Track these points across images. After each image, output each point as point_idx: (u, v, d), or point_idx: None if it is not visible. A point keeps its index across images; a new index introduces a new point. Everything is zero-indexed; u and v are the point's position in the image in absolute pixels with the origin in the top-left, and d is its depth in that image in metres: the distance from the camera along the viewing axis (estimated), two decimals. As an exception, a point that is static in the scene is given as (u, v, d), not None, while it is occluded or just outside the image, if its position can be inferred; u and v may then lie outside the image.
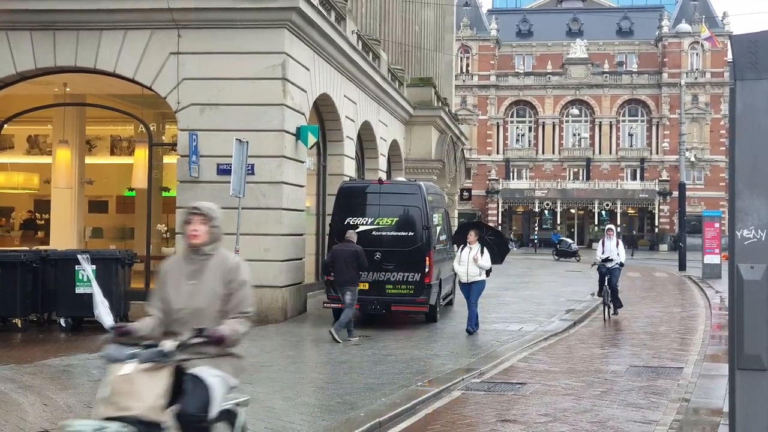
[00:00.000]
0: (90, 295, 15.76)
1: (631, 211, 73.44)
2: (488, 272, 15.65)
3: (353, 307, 14.66)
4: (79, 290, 14.79)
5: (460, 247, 15.73)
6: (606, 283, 18.40)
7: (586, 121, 77.07)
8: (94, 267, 14.80)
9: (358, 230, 16.26)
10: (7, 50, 16.82)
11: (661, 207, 72.24)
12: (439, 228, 17.68)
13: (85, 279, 14.76)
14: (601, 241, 19.28)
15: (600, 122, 76.40)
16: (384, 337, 14.76)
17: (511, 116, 78.86)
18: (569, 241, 52.60)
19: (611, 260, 18.47)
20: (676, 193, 52.83)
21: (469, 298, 15.41)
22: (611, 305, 18.50)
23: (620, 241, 19.13)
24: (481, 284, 15.47)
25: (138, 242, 19.09)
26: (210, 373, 5.09)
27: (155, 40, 16.56)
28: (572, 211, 74.11)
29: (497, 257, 15.83)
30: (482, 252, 15.21)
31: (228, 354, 5.25)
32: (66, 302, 14.96)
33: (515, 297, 22.94)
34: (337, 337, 14.13)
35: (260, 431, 7.94)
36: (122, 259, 15.31)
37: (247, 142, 15.69)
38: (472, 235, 15.34)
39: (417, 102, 31.97)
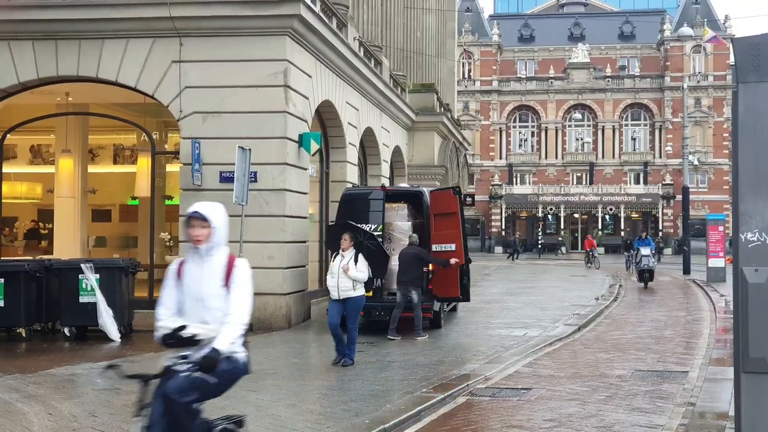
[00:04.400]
0: (94, 304, 15.92)
1: (634, 215, 73.35)
2: (370, 286, 12.61)
3: (420, 306, 15.52)
4: (83, 299, 14.79)
5: (333, 255, 12.70)
6: None
7: (588, 126, 77.10)
8: (97, 276, 14.84)
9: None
10: (10, 60, 16.86)
11: (664, 211, 72.14)
12: (442, 234, 17.63)
13: (89, 288, 14.75)
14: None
15: (603, 126, 76.42)
16: (388, 343, 14.73)
17: (514, 121, 78.91)
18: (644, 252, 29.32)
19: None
20: (679, 197, 52.74)
21: (346, 320, 12.43)
22: None
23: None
24: (357, 301, 12.39)
25: (141, 251, 19.09)
26: None
27: (157, 48, 16.59)
28: (576, 215, 74.05)
29: (379, 266, 13.05)
30: (356, 260, 12.25)
31: None
32: (70, 311, 14.96)
33: (519, 302, 22.90)
34: (420, 338, 15.12)
35: (265, 439, 7.92)
36: (126, 267, 15.30)
37: (249, 149, 15.71)
38: (346, 240, 12.36)
39: (419, 108, 31.98)
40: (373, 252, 12.63)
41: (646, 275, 28.79)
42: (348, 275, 12.09)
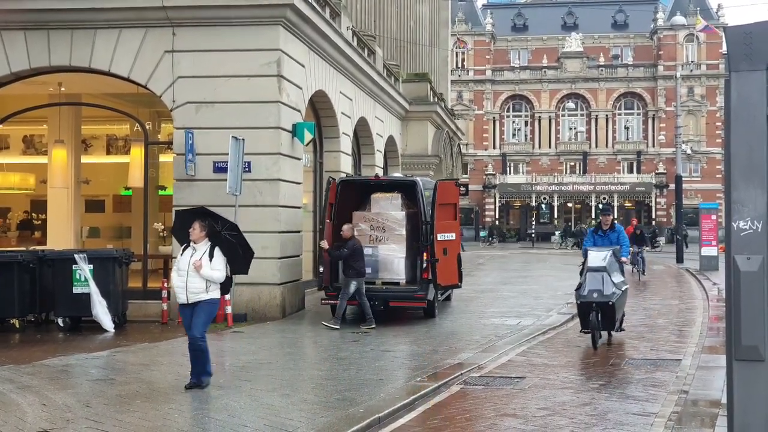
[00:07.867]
0: (88, 295, 15.92)
1: (627, 204, 73.38)
2: (226, 287, 10.12)
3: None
4: (76, 290, 14.78)
5: (182, 248, 10.09)
6: None
7: (582, 115, 77.12)
8: (91, 266, 14.83)
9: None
10: (1, 50, 16.79)
11: (657, 200, 72.21)
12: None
13: (83, 279, 14.74)
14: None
15: (596, 116, 76.43)
16: (382, 333, 14.75)
17: (507, 111, 78.87)
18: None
19: None
20: (672, 186, 52.86)
21: (190, 328, 9.74)
22: None
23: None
24: (209, 305, 9.81)
25: (135, 241, 19.06)
26: None
27: (150, 38, 16.53)
28: (569, 205, 74.08)
29: (241, 263, 10.20)
30: (212, 255, 9.73)
31: None
32: (64, 302, 14.94)
33: (513, 291, 22.95)
34: (330, 325, 15.13)
35: (260, 428, 7.94)
36: (119, 258, 15.29)
37: (243, 139, 15.68)
38: (195, 230, 9.77)
39: (413, 98, 31.96)
40: (234, 245, 10.07)
41: (592, 318, 13.00)
42: (200, 273, 9.61)
